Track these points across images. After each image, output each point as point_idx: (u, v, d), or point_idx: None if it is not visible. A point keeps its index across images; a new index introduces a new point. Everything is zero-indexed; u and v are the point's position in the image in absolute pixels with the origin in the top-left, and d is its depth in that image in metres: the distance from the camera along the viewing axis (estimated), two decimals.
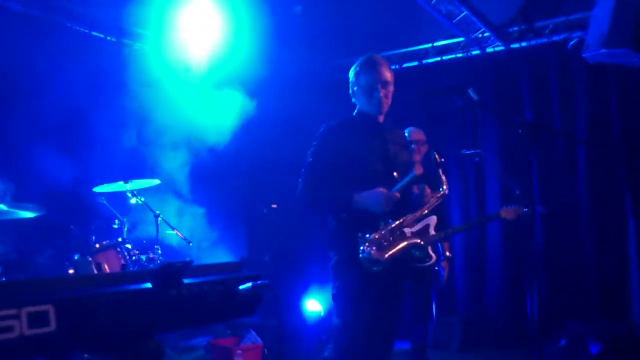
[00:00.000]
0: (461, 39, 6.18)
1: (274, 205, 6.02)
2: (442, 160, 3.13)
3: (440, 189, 3.13)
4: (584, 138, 5.60)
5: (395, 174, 3.02)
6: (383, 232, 2.86)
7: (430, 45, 6.46)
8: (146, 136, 5.59)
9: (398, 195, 2.89)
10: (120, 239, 4.77)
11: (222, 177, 6.32)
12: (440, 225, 4.48)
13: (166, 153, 5.80)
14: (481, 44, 6.17)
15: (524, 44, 5.99)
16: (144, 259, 4.82)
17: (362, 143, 3.00)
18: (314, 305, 5.73)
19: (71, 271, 4.45)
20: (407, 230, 2.99)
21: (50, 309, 0.99)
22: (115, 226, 4.98)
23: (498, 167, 5.98)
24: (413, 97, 5.79)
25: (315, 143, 3.03)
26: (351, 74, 3.15)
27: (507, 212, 4.60)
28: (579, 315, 5.27)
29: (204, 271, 1.36)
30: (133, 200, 4.94)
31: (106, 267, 4.49)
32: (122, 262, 4.60)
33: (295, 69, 6.23)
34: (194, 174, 5.99)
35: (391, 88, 3.10)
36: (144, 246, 5.08)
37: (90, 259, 4.47)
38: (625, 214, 5.34)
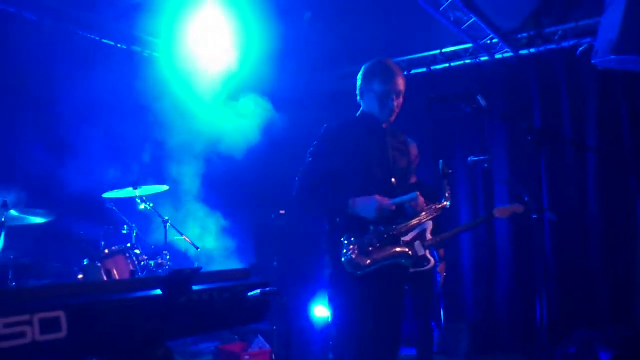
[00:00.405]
0: (469, 45, 6.18)
1: (282, 212, 6.03)
2: (451, 171, 3.13)
3: (443, 201, 3.15)
4: (594, 144, 5.58)
5: (393, 180, 3.01)
6: (370, 236, 2.86)
7: (438, 51, 6.46)
8: (156, 143, 5.63)
9: (394, 207, 2.89)
10: (129, 245, 4.79)
11: (230, 184, 6.34)
12: (436, 230, 4.57)
13: (175, 159, 5.83)
14: (490, 50, 6.17)
15: (532, 50, 5.98)
16: (152, 265, 4.84)
17: (363, 147, 2.97)
18: (321, 310, 5.72)
19: (80, 276, 4.47)
20: (403, 238, 2.98)
21: (61, 315, 1.01)
22: (125, 232, 5.01)
23: (507, 173, 5.97)
24: (421, 104, 5.79)
25: (315, 143, 2.99)
26: (365, 75, 3.10)
27: (501, 211, 4.61)
28: (588, 322, 5.23)
29: (213, 278, 1.37)
30: (142, 206, 4.97)
31: (115, 272, 4.51)
32: (131, 267, 4.62)
33: (303, 75, 6.25)
34: (202, 180, 6.01)
35: (402, 98, 3.10)
36: (153, 251, 5.10)
37: (99, 264, 4.50)
38: (635, 220, 5.31)
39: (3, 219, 4.03)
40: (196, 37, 5.36)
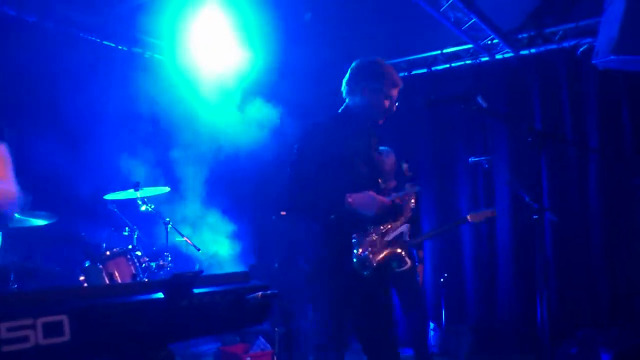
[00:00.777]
0: (470, 45, 6.18)
1: (283, 213, 6.03)
2: (411, 174, 3.14)
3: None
4: (595, 144, 5.58)
5: (379, 180, 2.99)
6: (373, 235, 2.85)
7: (439, 52, 6.46)
8: (158, 144, 5.64)
9: (388, 203, 2.88)
10: (130, 246, 4.80)
11: (231, 185, 6.35)
12: (413, 232, 4.57)
13: (176, 161, 5.84)
14: (490, 50, 6.17)
15: (533, 50, 5.98)
16: (154, 266, 4.85)
17: (350, 145, 2.92)
18: None
19: (82, 278, 4.48)
20: (385, 238, 2.97)
21: (64, 319, 1.01)
22: (126, 233, 5.02)
23: (508, 174, 5.97)
24: (422, 104, 5.80)
25: (301, 140, 2.94)
26: (358, 73, 3.03)
27: (475, 216, 4.69)
28: (590, 322, 5.24)
29: (214, 281, 1.38)
30: (143, 208, 4.98)
31: (117, 274, 4.52)
32: (133, 269, 4.63)
33: (305, 77, 6.25)
34: (203, 182, 6.03)
35: (395, 102, 3.08)
36: (154, 253, 5.11)
37: (100, 266, 4.50)
38: (636, 221, 5.31)
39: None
40: (198, 38, 5.37)
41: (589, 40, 5.49)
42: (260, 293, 1.36)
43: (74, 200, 4.94)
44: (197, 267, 5.61)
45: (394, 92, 3.02)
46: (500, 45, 6.05)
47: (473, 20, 5.56)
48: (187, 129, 5.73)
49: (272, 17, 5.21)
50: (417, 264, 4.87)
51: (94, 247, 4.79)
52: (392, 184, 5.07)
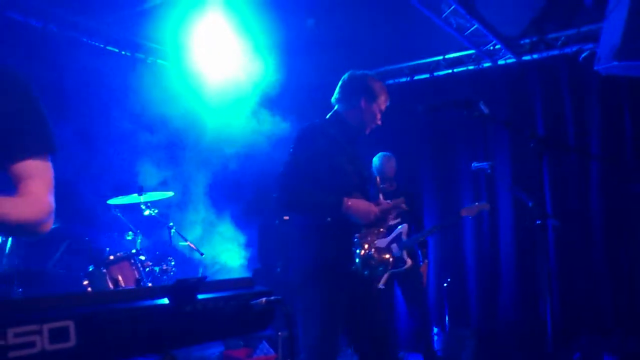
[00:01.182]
0: (472, 51, 6.20)
1: (286, 217, 6.05)
2: (382, 186, 3.26)
3: None
4: (597, 150, 5.58)
5: (367, 187, 3.12)
6: (370, 237, 2.94)
7: (441, 57, 6.48)
8: (161, 149, 5.66)
9: (380, 212, 2.97)
10: (134, 251, 4.81)
11: (234, 190, 6.36)
12: (415, 231, 4.95)
13: (179, 165, 5.86)
14: (492, 56, 6.19)
15: (535, 56, 5.99)
16: (157, 271, 4.86)
17: (339, 150, 3.01)
18: None
19: (86, 282, 4.50)
20: (376, 242, 3.05)
21: (70, 324, 1.03)
22: (129, 238, 5.04)
23: (510, 179, 5.98)
24: (424, 110, 5.81)
25: (297, 143, 3.00)
26: (351, 85, 3.16)
27: (468, 210, 4.84)
28: (593, 328, 5.23)
29: (218, 287, 1.39)
30: (147, 212, 4.99)
31: (120, 278, 4.53)
32: (136, 273, 4.64)
33: (309, 82, 6.27)
34: (207, 187, 6.04)
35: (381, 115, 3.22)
36: (158, 257, 5.12)
37: (104, 270, 4.52)
38: (638, 226, 5.30)
39: None
40: (201, 44, 5.39)
41: (591, 46, 5.50)
42: (264, 299, 1.37)
43: (78, 205, 4.95)
44: (200, 271, 5.63)
45: (382, 106, 3.16)
46: (503, 50, 6.06)
47: (475, 26, 5.57)
48: (191, 134, 5.76)
49: (275, 23, 5.24)
50: (420, 262, 4.98)
51: (97, 251, 4.80)
52: (393, 187, 5.19)
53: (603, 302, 5.44)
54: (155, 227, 5.34)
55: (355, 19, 5.55)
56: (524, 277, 5.88)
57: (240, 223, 6.36)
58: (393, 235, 4.82)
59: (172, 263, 4.95)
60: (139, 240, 5.01)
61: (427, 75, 6.69)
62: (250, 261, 6.37)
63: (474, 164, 5.26)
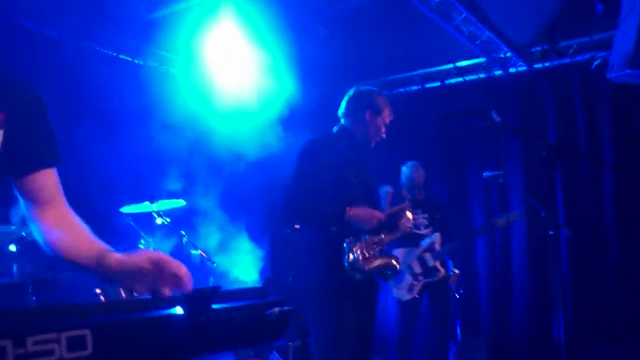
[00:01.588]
0: (483, 59, 6.20)
1: (297, 226, 6.05)
2: (409, 196, 3.36)
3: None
4: (610, 159, 5.55)
5: (373, 196, 3.23)
6: (368, 242, 3.00)
7: (452, 65, 6.48)
8: (173, 158, 5.69)
9: (384, 217, 3.07)
10: None
11: (245, 199, 6.37)
12: (447, 241, 4.94)
13: (191, 174, 5.88)
14: (504, 64, 6.18)
15: (547, 64, 5.98)
16: None
17: (345, 162, 3.14)
18: None
19: (98, 291, 4.51)
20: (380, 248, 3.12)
21: (87, 333, 1.04)
22: (141, 246, 5.06)
23: (522, 188, 5.95)
24: (435, 118, 5.81)
25: (302, 156, 3.14)
26: (355, 100, 3.30)
27: (499, 221, 4.85)
28: (605, 337, 5.18)
29: (231, 297, 1.40)
30: (159, 221, 5.01)
31: None
32: None
33: (320, 90, 6.29)
34: (218, 195, 6.06)
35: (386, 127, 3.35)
36: None
37: None
38: None
39: (24, 234, 4.10)
40: (213, 52, 5.43)
41: (603, 54, 5.49)
42: (277, 309, 1.38)
43: (90, 213, 4.96)
44: (211, 280, 5.63)
45: (387, 120, 3.29)
46: (514, 59, 6.05)
47: (486, 34, 5.57)
48: (203, 143, 5.78)
49: (287, 31, 5.26)
50: (451, 272, 4.96)
51: None
52: (422, 195, 5.19)
53: (615, 310, 5.39)
54: (167, 235, 5.36)
55: (366, 28, 5.57)
56: (536, 287, 5.84)
57: (253, 232, 6.37)
58: (426, 244, 4.84)
59: None
60: (151, 249, 5.03)
61: (438, 84, 6.69)
62: (262, 270, 6.37)
63: (485, 173, 5.27)
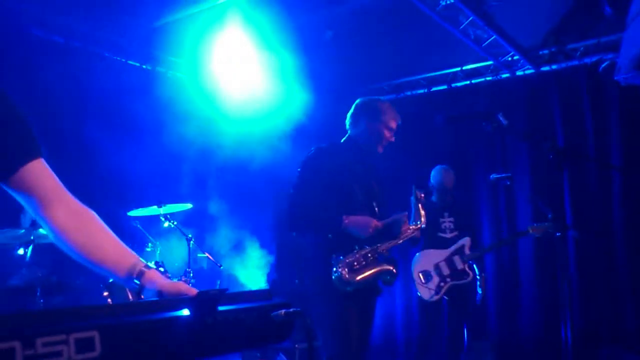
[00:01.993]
0: (490, 62, 6.19)
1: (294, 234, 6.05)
2: (423, 196, 3.36)
3: (417, 223, 3.31)
4: (618, 161, 5.52)
5: (374, 203, 3.26)
6: (357, 255, 3.03)
7: (459, 68, 6.48)
8: (180, 161, 5.72)
9: (381, 225, 3.11)
10: (153, 262, 4.85)
11: (252, 202, 6.39)
12: (474, 245, 4.93)
13: (198, 178, 5.91)
14: (511, 67, 6.17)
15: (554, 66, 5.96)
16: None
17: (348, 170, 3.20)
18: None
19: (106, 294, 4.53)
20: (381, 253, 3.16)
21: (95, 335, 1.05)
22: (149, 249, 5.08)
23: (529, 191, 5.94)
24: (442, 121, 5.81)
25: (306, 164, 3.21)
26: (360, 110, 3.37)
27: (536, 229, 4.73)
28: (614, 340, 5.15)
29: (238, 299, 1.41)
30: (166, 224, 5.04)
31: None
32: None
33: (328, 95, 6.29)
34: (225, 199, 6.08)
35: (393, 133, 3.40)
36: (176, 269, 5.16)
37: None
38: None
39: (32, 237, 4.13)
40: (221, 58, 5.46)
41: (610, 56, 5.47)
42: (283, 311, 1.39)
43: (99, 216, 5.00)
44: (218, 283, 5.65)
45: (393, 124, 3.33)
46: (521, 61, 6.04)
47: (493, 37, 5.57)
48: (210, 147, 5.80)
49: (293, 36, 5.28)
50: (478, 277, 4.95)
51: None
52: (450, 198, 5.19)
53: (624, 314, 5.35)
54: (174, 238, 5.38)
55: (372, 31, 5.58)
56: (544, 289, 5.82)
57: (261, 236, 6.38)
58: (454, 247, 4.85)
59: (191, 275, 4.98)
60: (159, 252, 5.06)
61: (444, 87, 6.68)
62: (269, 274, 6.38)
63: (493, 176, 5.25)
